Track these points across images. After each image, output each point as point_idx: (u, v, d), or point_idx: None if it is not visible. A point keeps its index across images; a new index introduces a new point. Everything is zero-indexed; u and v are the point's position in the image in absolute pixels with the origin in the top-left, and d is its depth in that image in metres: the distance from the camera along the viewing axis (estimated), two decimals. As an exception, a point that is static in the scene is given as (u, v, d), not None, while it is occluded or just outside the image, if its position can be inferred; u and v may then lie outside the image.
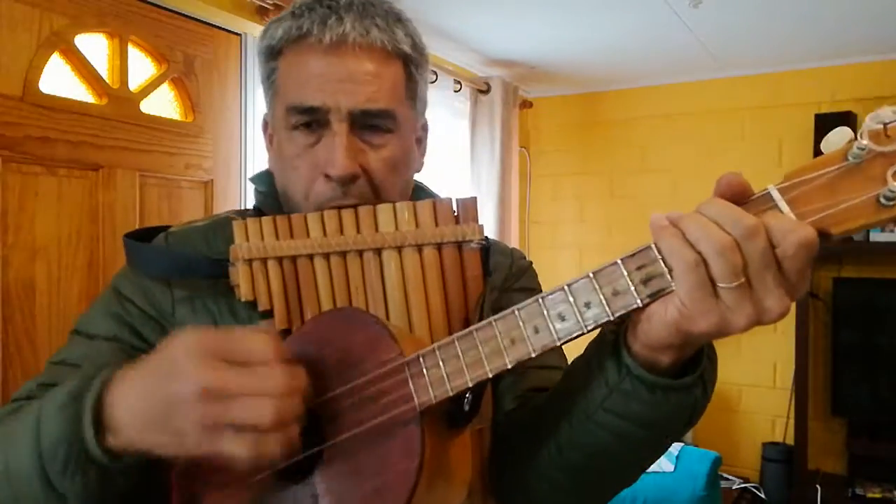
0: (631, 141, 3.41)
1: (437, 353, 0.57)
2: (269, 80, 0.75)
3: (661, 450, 0.62)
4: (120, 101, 1.86)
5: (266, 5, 2.07)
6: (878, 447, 2.75)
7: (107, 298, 0.75)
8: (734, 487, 2.99)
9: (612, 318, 0.51)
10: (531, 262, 0.88)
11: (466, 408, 0.60)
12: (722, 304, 0.47)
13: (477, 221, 0.67)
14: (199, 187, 2.08)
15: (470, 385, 0.55)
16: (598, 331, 0.55)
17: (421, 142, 0.82)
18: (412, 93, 0.75)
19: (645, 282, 0.50)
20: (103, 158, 1.80)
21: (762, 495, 2.98)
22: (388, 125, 0.72)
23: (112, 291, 0.75)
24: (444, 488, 0.61)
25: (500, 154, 3.16)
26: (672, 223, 0.49)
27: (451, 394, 0.56)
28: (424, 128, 0.82)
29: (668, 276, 0.49)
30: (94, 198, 1.79)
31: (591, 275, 0.52)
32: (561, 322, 0.52)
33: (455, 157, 3.07)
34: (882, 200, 0.45)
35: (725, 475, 3.00)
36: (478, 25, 2.62)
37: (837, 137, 0.48)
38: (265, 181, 0.81)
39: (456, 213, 0.68)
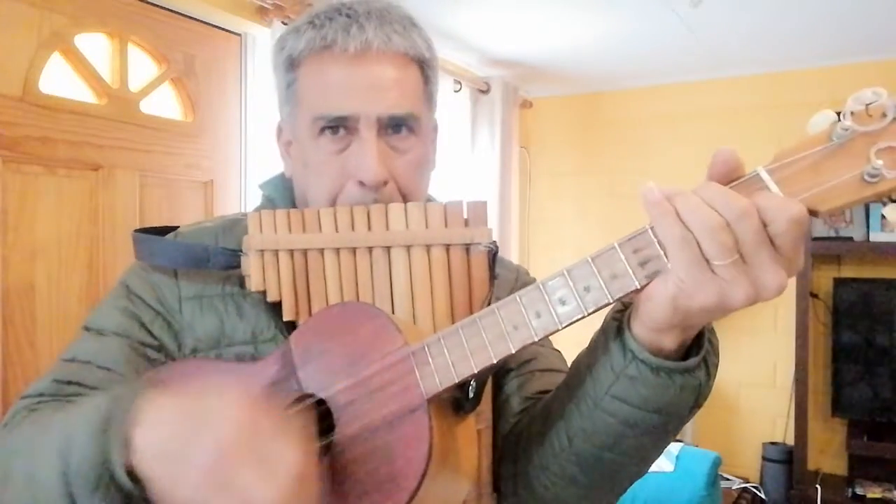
0: (631, 141, 3.41)
1: (442, 341, 0.58)
2: (289, 90, 0.76)
3: (669, 437, 0.63)
4: (120, 101, 1.86)
5: (266, 5, 2.07)
6: (878, 447, 2.74)
7: (116, 294, 0.76)
8: (734, 487, 2.99)
9: (611, 301, 0.53)
10: (535, 279, 0.89)
11: (471, 394, 0.61)
12: (719, 279, 0.49)
13: (486, 225, 0.69)
14: (199, 187, 2.08)
15: (476, 371, 0.56)
16: (598, 314, 0.56)
17: (433, 142, 0.84)
18: (429, 95, 0.78)
19: (642, 264, 0.52)
20: (103, 158, 1.80)
21: (762, 495, 2.98)
22: (413, 127, 0.74)
23: (121, 287, 0.76)
24: (451, 475, 0.62)
25: (500, 154, 3.16)
26: (666, 198, 0.50)
27: (456, 380, 0.57)
28: (435, 128, 0.84)
29: (665, 258, 0.51)
30: (94, 198, 1.79)
31: (589, 259, 0.53)
32: (562, 306, 0.54)
33: (455, 157, 3.07)
34: (866, 178, 0.47)
35: (725, 475, 3.00)
36: (478, 25, 2.62)
37: (821, 119, 0.49)
38: (277, 186, 0.82)
39: (465, 216, 0.69)
